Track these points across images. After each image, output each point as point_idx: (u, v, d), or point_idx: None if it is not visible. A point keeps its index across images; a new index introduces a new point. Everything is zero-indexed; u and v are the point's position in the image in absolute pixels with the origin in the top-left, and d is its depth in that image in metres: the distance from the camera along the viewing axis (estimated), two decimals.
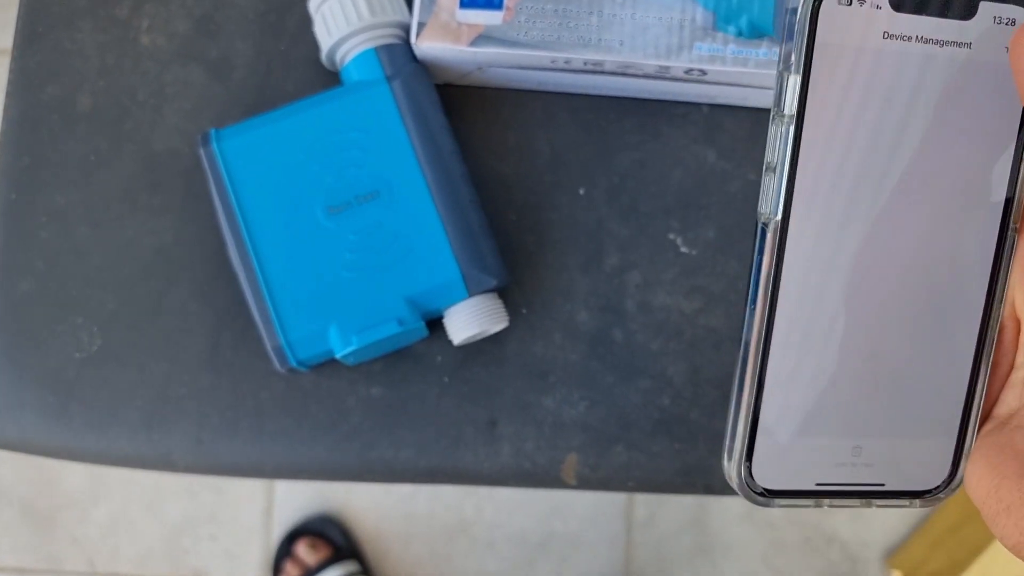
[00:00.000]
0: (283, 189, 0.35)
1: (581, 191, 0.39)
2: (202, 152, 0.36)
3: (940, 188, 0.22)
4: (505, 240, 0.39)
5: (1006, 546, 0.20)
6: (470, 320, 0.36)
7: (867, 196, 0.22)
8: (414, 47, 0.36)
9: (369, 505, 0.94)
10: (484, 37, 0.35)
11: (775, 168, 0.21)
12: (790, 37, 0.20)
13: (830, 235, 0.21)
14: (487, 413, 0.38)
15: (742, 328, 0.22)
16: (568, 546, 0.94)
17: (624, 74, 0.37)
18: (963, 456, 0.23)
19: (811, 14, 0.20)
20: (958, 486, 0.23)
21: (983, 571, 0.83)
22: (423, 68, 0.37)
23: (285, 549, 0.95)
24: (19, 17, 0.40)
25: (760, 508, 0.93)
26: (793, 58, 0.20)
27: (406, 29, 0.37)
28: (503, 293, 0.38)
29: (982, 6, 0.21)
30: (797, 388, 0.22)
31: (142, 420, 0.39)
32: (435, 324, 0.38)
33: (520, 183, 0.39)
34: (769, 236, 0.21)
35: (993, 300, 0.23)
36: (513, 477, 0.38)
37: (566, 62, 0.36)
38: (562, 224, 0.39)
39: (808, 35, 0.20)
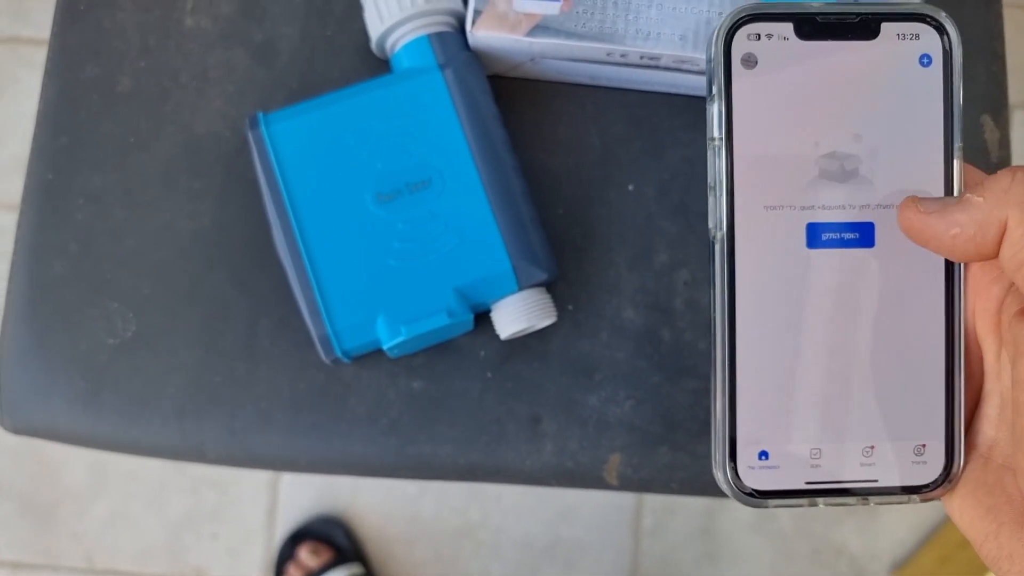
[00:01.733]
0: (332, 175, 0.35)
1: (631, 187, 0.38)
2: (250, 135, 0.35)
3: (886, 193, 0.23)
4: (553, 235, 0.38)
5: None
6: (519, 314, 0.35)
7: (811, 205, 0.23)
8: (469, 36, 0.35)
9: (374, 507, 0.93)
10: (541, 27, 0.35)
11: (714, 188, 0.23)
12: (709, 69, 0.23)
13: (777, 244, 0.23)
14: (530, 410, 0.37)
15: (710, 344, 0.23)
16: (574, 552, 0.93)
17: (680, 69, 0.36)
18: (956, 451, 0.23)
19: (724, 50, 0.22)
20: (955, 479, 0.23)
21: None
22: (475, 57, 0.36)
23: (287, 552, 0.93)
24: None
25: (768, 518, 0.92)
26: (714, 88, 0.23)
27: (459, 17, 0.37)
28: (549, 288, 0.37)
29: (884, 26, 0.23)
30: (771, 392, 0.23)
31: (174, 409, 0.38)
32: (479, 317, 0.37)
33: (569, 177, 0.39)
34: (718, 249, 0.23)
35: (954, 297, 0.23)
36: (555, 476, 0.38)
37: (622, 55, 0.36)
38: (611, 220, 0.38)
39: (724, 67, 0.22)
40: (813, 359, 0.23)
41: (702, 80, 0.37)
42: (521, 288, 0.35)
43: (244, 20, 0.39)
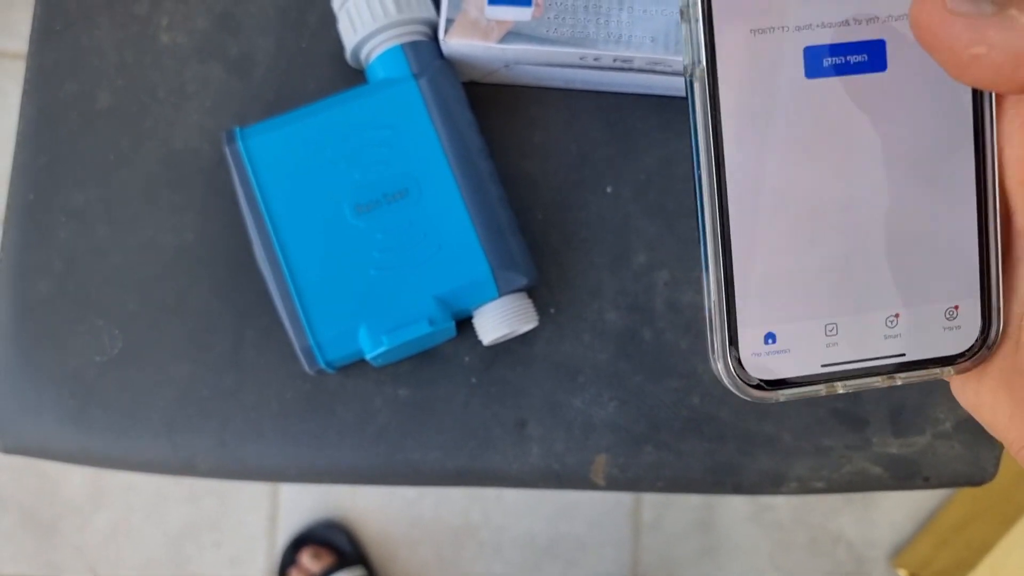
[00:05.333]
0: (310, 188, 0.35)
1: (608, 189, 0.39)
2: (227, 150, 0.35)
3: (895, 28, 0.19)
4: (532, 239, 0.38)
5: None
6: (500, 320, 0.35)
7: (807, 24, 0.19)
8: (442, 44, 0.36)
9: (375, 509, 0.94)
10: (513, 34, 0.35)
11: (687, 12, 0.19)
12: None
13: (768, 75, 0.19)
14: (516, 414, 0.38)
15: (696, 208, 0.19)
16: (575, 549, 0.93)
17: (653, 71, 0.36)
18: (993, 311, 0.19)
19: None
20: (994, 344, 0.20)
21: (990, 570, 0.83)
22: (450, 65, 0.37)
23: (289, 557, 0.94)
24: (36, 15, 0.40)
25: (766, 508, 0.93)
26: None
27: (432, 26, 0.37)
28: (530, 293, 0.37)
29: None
30: (773, 260, 0.19)
31: (164, 423, 0.38)
32: (462, 324, 0.37)
33: (546, 182, 0.39)
34: (697, 88, 0.19)
35: (985, 126, 0.19)
36: (542, 479, 0.38)
37: (595, 59, 0.36)
38: (589, 223, 0.39)
39: None
40: (821, 216, 0.19)
41: (675, 80, 0.37)
42: (501, 294, 0.35)
43: (219, 34, 0.39)
